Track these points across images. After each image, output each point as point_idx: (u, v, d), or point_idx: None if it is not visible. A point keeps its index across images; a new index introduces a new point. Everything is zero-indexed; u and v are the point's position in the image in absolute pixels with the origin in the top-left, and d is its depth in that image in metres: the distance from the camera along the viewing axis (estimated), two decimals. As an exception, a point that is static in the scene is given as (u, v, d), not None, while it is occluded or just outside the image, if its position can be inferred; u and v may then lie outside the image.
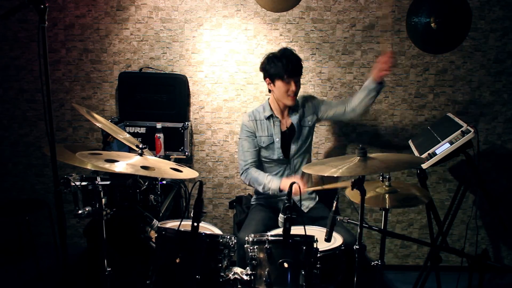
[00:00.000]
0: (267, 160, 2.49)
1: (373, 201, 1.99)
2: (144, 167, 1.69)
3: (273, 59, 2.37)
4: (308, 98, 2.59)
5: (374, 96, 2.41)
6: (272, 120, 2.48)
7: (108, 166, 1.61)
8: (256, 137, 2.47)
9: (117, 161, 1.67)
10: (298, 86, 2.39)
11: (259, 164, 2.52)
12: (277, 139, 2.46)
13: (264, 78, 2.44)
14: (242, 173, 2.47)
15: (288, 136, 2.49)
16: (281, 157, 2.46)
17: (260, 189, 2.39)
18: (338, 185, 2.47)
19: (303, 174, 2.48)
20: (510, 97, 2.94)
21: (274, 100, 2.47)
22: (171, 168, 1.80)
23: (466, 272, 2.40)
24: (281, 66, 2.33)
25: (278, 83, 2.37)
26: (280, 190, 2.33)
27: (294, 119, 2.50)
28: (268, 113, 2.47)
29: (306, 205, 2.53)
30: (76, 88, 2.98)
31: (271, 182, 2.35)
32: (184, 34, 2.88)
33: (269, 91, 2.48)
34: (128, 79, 2.88)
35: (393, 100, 2.95)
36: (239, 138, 2.52)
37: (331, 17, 2.84)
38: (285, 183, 2.31)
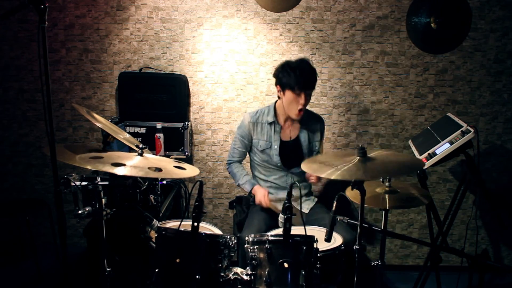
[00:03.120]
0: (265, 164, 2.49)
1: (373, 202, 1.99)
2: (156, 169, 1.70)
3: (287, 67, 2.30)
4: (319, 120, 2.55)
5: None
6: (273, 127, 2.45)
7: (116, 170, 1.61)
8: (251, 140, 2.49)
9: (123, 164, 1.66)
10: (308, 99, 2.33)
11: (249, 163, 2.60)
12: (276, 146, 2.44)
13: (276, 85, 2.38)
14: (227, 164, 2.63)
15: (291, 147, 2.47)
16: (279, 164, 2.45)
17: (235, 183, 2.56)
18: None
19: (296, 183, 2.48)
20: (510, 97, 2.94)
21: (282, 106, 2.41)
22: (174, 166, 1.80)
23: (466, 272, 2.41)
24: (293, 77, 2.26)
25: (288, 93, 2.30)
26: (251, 194, 2.49)
27: (303, 137, 2.47)
28: (271, 119, 2.44)
29: (306, 207, 2.52)
30: (76, 88, 2.98)
31: (245, 184, 2.50)
32: (184, 34, 2.88)
33: (278, 97, 2.42)
34: (128, 79, 2.88)
35: (393, 100, 2.95)
36: (236, 132, 2.54)
37: (331, 17, 2.84)
38: (256, 191, 2.44)
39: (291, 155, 2.46)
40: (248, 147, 2.52)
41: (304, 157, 2.46)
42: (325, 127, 2.59)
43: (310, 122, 2.50)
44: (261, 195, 2.38)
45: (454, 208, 2.46)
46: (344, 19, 2.84)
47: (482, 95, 2.94)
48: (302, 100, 2.30)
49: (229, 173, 2.61)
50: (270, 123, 2.45)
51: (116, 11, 2.86)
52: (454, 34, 2.85)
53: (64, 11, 2.86)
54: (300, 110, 2.32)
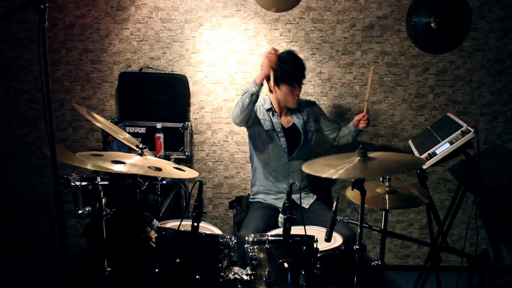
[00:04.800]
0: (269, 149, 2.50)
1: (373, 202, 1.99)
2: (155, 168, 1.70)
3: (280, 62, 2.32)
4: (310, 104, 2.64)
5: (354, 136, 2.62)
6: (272, 112, 2.51)
7: (115, 167, 1.61)
8: (256, 115, 2.48)
9: (123, 162, 1.67)
10: (301, 87, 2.44)
11: (257, 152, 2.54)
12: (279, 129, 2.50)
13: (267, 80, 2.39)
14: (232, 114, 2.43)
15: (290, 134, 2.52)
16: (284, 146, 2.49)
17: (241, 103, 2.31)
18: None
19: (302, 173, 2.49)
20: (510, 97, 2.94)
21: (275, 99, 2.50)
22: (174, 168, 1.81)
23: (466, 272, 2.41)
24: (288, 70, 2.32)
25: (284, 87, 2.38)
26: (258, 84, 2.28)
27: (297, 122, 2.54)
28: (268, 106, 2.51)
29: (306, 202, 2.54)
30: (76, 88, 2.98)
31: (248, 88, 2.30)
32: (184, 34, 2.88)
33: (270, 90, 2.49)
34: (128, 79, 2.88)
35: (393, 100, 2.95)
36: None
37: (331, 17, 2.84)
38: (258, 74, 2.29)
39: (292, 141, 2.52)
40: (253, 116, 2.43)
41: (304, 141, 2.53)
42: (321, 111, 2.68)
43: (302, 108, 2.57)
44: (264, 55, 2.27)
45: (454, 208, 2.46)
46: (344, 19, 2.84)
47: (482, 95, 2.94)
48: (297, 91, 2.40)
49: (234, 111, 2.36)
50: (268, 110, 2.51)
51: (116, 11, 2.85)
52: (454, 34, 2.85)
53: (64, 11, 2.86)
54: (296, 100, 2.43)
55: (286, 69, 2.33)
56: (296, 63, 2.35)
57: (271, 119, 2.50)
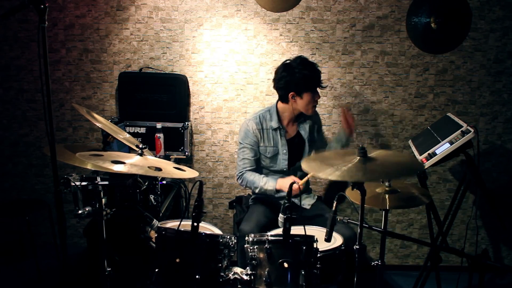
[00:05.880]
0: (269, 170, 2.48)
1: (373, 202, 1.98)
2: (155, 168, 1.70)
3: (300, 69, 2.25)
4: (316, 112, 2.56)
5: (344, 144, 2.55)
6: (279, 132, 2.42)
7: (115, 167, 1.61)
8: (259, 146, 2.43)
9: (123, 162, 1.67)
10: None
11: (258, 170, 2.48)
12: (284, 150, 2.42)
13: (288, 91, 2.30)
14: (238, 177, 2.46)
15: (294, 146, 2.47)
16: (285, 169, 2.44)
17: (256, 190, 2.39)
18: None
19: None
20: (510, 97, 2.94)
21: (288, 109, 2.39)
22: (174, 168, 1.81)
23: (466, 272, 2.41)
24: (310, 75, 2.25)
25: (307, 95, 2.29)
26: (277, 191, 2.33)
27: (302, 129, 2.47)
28: (276, 125, 2.40)
29: (308, 203, 2.53)
30: (76, 88, 2.98)
31: (267, 183, 2.34)
32: (184, 34, 2.88)
33: (282, 100, 2.38)
34: (128, 79, 2.88)
35: (393, 100, 2.95)
36: (240, 143, 2.44)
37: (331, 17, 2.84)
38: (281, 183, 2.31)
39: (295, 151, 2.47)
40: (258, 153, 2.43)
41: (307, 149, 2.48)
42: (321, 120, 2.64)
43: (310, 117, 2.50)
44: (290, 181, 2.08)
45: (454, 208, 2.46)
46: (344, 19, 2.84)
47: (482, 95, 2.94)
48: (317, 96, 2.34)
49: (245, 184, 2.41)
50: (275, 129, 2.42)
51: (116, 11, 2.85)
52: (454, 34, 2.85)
53: (64, 11, 2.86)
54: (316, 106, 2.39)
55: (308, 75, 2.24)
56: (313, 67, 2.27)
57: (277, 140, 2.41)
